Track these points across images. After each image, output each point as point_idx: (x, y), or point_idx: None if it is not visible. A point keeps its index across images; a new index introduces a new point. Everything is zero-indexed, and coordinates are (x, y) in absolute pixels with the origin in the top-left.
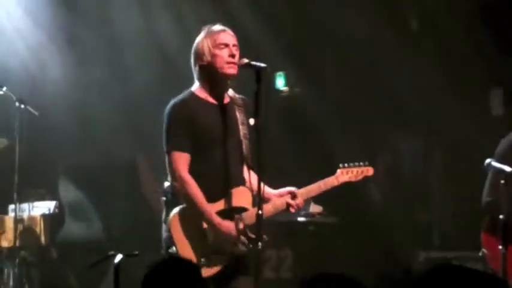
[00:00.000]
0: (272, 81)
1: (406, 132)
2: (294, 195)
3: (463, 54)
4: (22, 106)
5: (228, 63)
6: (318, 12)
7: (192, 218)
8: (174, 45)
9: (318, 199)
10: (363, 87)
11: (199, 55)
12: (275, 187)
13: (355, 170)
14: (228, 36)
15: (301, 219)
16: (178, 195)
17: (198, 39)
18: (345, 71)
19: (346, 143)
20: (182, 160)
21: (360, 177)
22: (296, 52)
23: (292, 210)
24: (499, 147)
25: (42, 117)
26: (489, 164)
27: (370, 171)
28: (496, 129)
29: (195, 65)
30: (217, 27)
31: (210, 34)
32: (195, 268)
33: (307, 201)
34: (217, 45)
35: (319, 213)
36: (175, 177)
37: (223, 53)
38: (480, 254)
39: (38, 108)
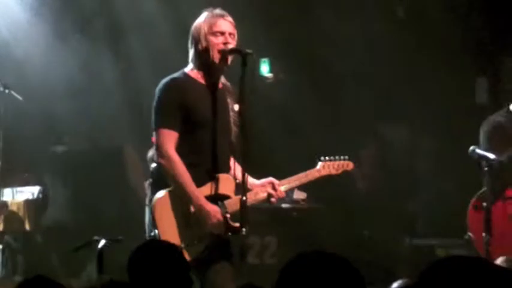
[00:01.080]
0: (257, 68)
1: (391, 121)
2: (274, 186)
3: (448, 43)
4: (6, 91)
5: (221, 50)
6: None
7: (175, 202)
8: (165, 31)
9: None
10: (348, 75)
11: (195, 39)
12: (258, 176)
13: (336, 163)
14: (226, 24)
15: (285, 205)
16: (163, 175)
17: (197, 21)
18: (330, 58)
19: (332, 132)
20: (170, 138)
21: (340, 171)
22: (282, 39)
23: (273, 200)
24: (483, 133)
25: (27, 102)
26: (473, 151)
27: (350, 165)
28: (480, 117)
29: (190, 47)
30: (217, 11)
31: (209, 19)
32: (177, 250)
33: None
34: (213, 32)
35: (302, 200)
36: (162, 154)
37: (218, 41)
38: (466, 237)
39: (23, 94)
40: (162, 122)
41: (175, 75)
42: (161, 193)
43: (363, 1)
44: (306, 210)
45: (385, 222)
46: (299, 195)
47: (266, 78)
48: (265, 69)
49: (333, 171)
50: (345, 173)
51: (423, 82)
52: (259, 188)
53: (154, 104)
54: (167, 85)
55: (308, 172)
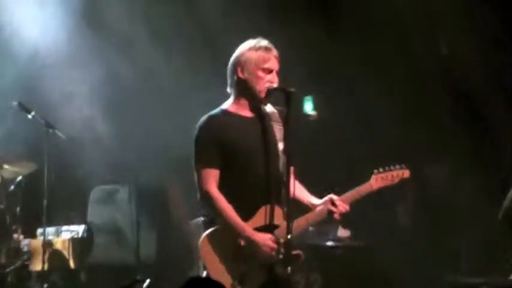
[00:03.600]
0: (300, 106)
1: (433, 156)
2: (333, 203)
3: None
4: (50, 130)
5: (267, 88)
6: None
7: (224, 239)
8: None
9: (345, 223)
10: (389, 111)
11: (241, 67)
12: (304, 211)
13: (390, 174)
14: (275, 62)
15: (329, 243)
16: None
17: (245, 49)
18: (372, 93)
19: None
20: (210, 176)
21: (396, 180)
22: (322, 76)
23: (336, 216)
24: None
25: (70, 141)
26: None
27: (406, 173)
28: None
29: (233, 73)
30: (266, 45)
31: (260, 51)
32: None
33: (334, 225)
34: (263, 68)
35: (347, 237)
36: (202, 194)
37: (267, 78)
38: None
39: (66, 133)
40: (202, 161)
41: (214, 112)
42: (206, 232)
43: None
44: (350, 247)
45: (429, 260)
46: (343, 232)
47: (309, 116)
48: (308, 107)
49: (389, 182)
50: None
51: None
52: (320, 206)
53: (193, 143)
54: (205, 123)
55: (362, 186)
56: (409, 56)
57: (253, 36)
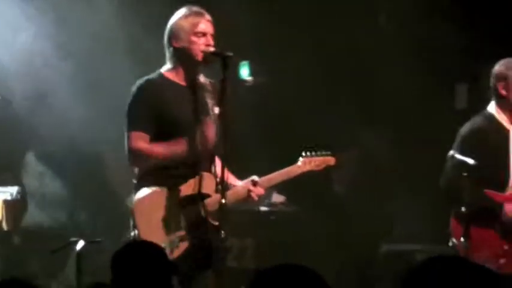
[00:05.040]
0: (237, 70)
1: (372, 126)
2: (255, 183)
3: (429, 49)
4: None
5: (203, 51)
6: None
7: (155, 202)
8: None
9: (280, 188)
10: (329, 80)
11: (175, 36)
12: (239, 176)
13: (317, 159)
14: (208, 25)
15: (263, 208)
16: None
17: (176, 18)
18: (311, 61)
19: (312, 136)
20: (139, 137)
21: (322, 167)
22: (262, 40)
23: (253, 197)
24: (460, 137)
25: (6, 103)
26: (452, 156)
27: (332, 161)
28: (459, 123)
29: (169, 45)
30: (197, 9)
31: (190, 17)
32: (161, 251)
33: (269, 191)
34: (196, 33)
35: (281, 203)
36: (132, 152)
37: (201, 41)
38: (450, 244)
39: (2, 94)
40: (133, 125)
41: (151, 76)
42: (140, 194)
43: (346, 9)
44: (284, 213)
45: (364, 227)
46: (277, 198)
47: (245, 81)
48: (245, 72)
49: (315, 167)
50: (325, 171)
51: (404, 87)
52: (241, 186)
53: (127, 106)
54: (141, 87)
55: (289, 168)
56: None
57: None
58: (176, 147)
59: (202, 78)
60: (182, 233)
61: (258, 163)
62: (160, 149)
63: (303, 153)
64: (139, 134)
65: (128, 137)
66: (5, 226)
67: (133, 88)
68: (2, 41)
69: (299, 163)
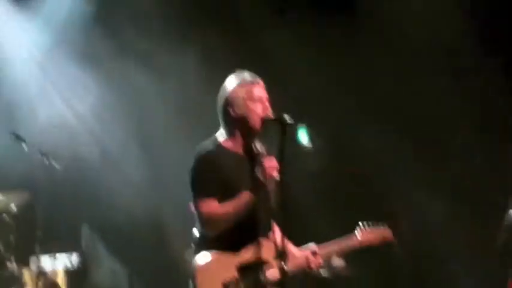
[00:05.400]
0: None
1: (429, 192)
2: (314, 253)
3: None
4: (45, 160)
5: (263, 118)
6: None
7: (218, 268)
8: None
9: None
10: (385, 148)
11: (231, 105)
12: (296, 243)
13: (374, 232)
14: (262, 90)
15: (324, 273)
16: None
17: (230, 87)
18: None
19: (369, 203)
20: (211, 204)
21: (378, 241)
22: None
23: (312, 268)
24: None
25: (65, 171)
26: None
27: (389, 236)
28: None
29: (224, 113)
30: (250, 77)
31: (244, 85)
32: None
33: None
34: (253, 99)
35: (342, 267)
36: (206, 219)
37: (258, 108)
38: None
39: (60, 162)
40: (201, 192)
41: (210, 147)
42: (201, 258)
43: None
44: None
45: None
46: (338, 262)
47: (304, 147)
48: (303, 137)
49: (373, 241)
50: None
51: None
52: (300, 254)
53: (190, 176)
54: (202, 158)
55: (348, 242)
56: None
57: None
58: (241, 201)
59: (258, 146)
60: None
61: (318, 231)
62: (228, 206)
63: (360, 223)
64: (209, 200)
65: (199, 205)
66: None
67: (195, 159)
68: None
69: (357, 235)
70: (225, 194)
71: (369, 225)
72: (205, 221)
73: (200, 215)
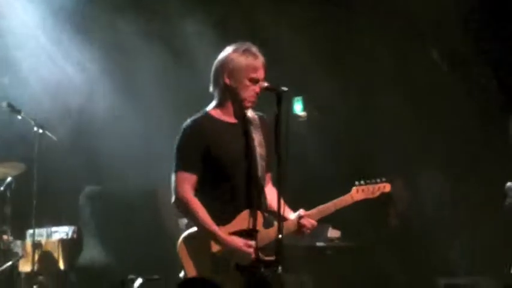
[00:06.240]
0: (291, 106)
1: (424, 162)
2: (300, 217)
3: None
4: (40, 131)
5: (252, 99)
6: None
7: (200, 241)
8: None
9: (336, 223)
10: (382, 113)
11: (228, 74)
12: (294, 208)
13: (371, 187)
14: (262, 72)
15: (319, 244)
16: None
17: (232, 54)
18: (366, 97)
19: (362, 169)
20: (186, 180)
21: (376, 194)
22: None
23: (306, 231)
24: None
25: (60, 143)
26: (510, 187)
27: (387, 187)
28: None
29: (218, 78)
30: (255, 51)
31: (248, 59)
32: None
33: (325, 226)
34: (251, 78)
35: (337, 238)
36: (176, 197)
37: (252, 89)
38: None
39: (57, 134)
40: (180, 165)
41: (197, 116)
42: (183, 234)
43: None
44: (340, 248)
45: (421, 261)
46: (333, 233)
47: (299, 116)
48: (298, 107)
49: (369, 195)
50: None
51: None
52: (291, 220)
53: (175, 146)
54: (187, 128)
55: (340, 199)
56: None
57: None
58: (213, 227)
59: (250, 113)
60: (232, 271)
61: (315, 196)
62: (200, 214)
63: (356, 182)
64: (186, 174)
65: (176, 178)
66: (61, 265)
67: (182, 128)
68: None
69: (351, 192)
70: (210, 161)
71: (366, 183)
72: (175, 200)
73: (174, 190)
